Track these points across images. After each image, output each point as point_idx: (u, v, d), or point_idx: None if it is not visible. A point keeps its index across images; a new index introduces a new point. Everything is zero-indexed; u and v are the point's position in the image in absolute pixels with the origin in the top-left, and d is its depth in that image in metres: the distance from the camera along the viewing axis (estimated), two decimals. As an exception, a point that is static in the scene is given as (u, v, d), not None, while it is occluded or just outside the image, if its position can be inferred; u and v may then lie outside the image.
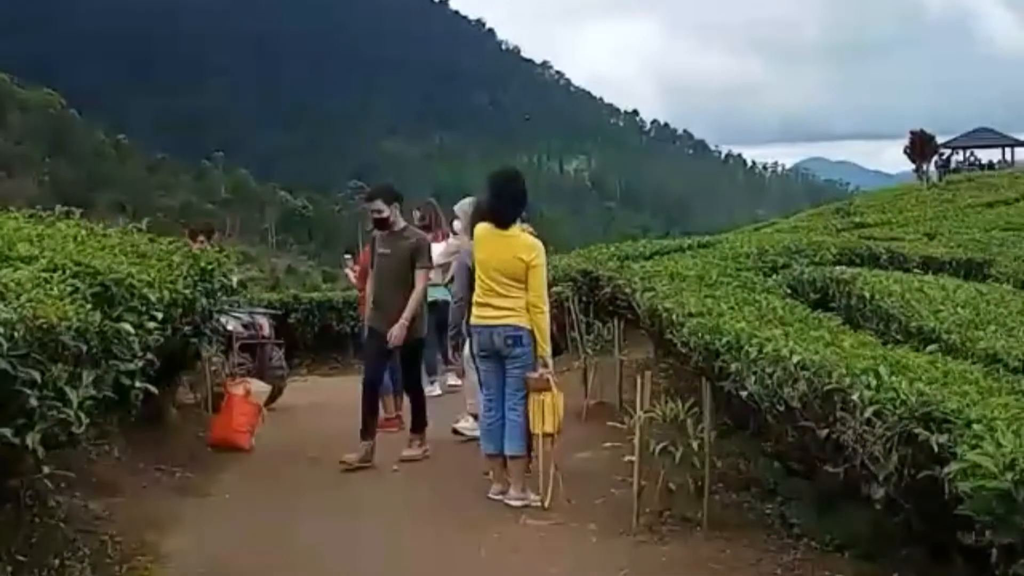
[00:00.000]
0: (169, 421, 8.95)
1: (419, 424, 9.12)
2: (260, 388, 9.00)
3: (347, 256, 10.78)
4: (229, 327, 10.66)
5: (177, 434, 8.88)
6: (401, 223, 9.03)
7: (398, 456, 8.80)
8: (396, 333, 8.55)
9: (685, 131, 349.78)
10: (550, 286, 14.23)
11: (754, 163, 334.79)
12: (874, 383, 4.56)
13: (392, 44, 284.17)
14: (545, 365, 7.24)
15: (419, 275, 8.77)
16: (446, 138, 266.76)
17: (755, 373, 5.61)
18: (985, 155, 64.08)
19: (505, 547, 6.46)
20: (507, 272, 7.20)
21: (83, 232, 7.69)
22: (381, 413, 9.61)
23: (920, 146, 55.59)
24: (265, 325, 11.32)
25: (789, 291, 10.75)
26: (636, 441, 6.51)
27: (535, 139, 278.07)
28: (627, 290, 11.24)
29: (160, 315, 6.04)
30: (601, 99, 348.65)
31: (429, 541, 6.60)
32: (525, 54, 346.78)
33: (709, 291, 9.07)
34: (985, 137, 65.26)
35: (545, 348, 7.24)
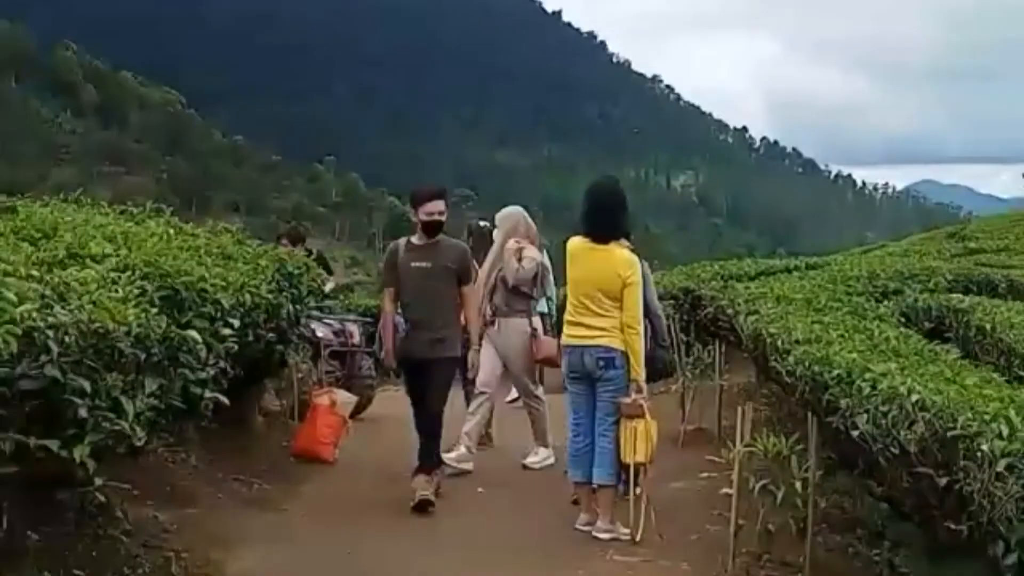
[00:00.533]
0: (253, 429, 8.74)
1: (436, 461, 7.96)
2: (346, 399, 8.71)
3: None
4: (319, 333, 10.44)
5: (260, 443, 8.64)
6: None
7: (482, 477, 8.47)
8: (474, 360, 7.96)
9: (794, 149, 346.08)
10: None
11: (864, 184, 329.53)
12: (1006, 431, 4.07)
13: (505, 55, 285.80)
14: (639, 390, 6.83)
15: (470, 293, 7.89)
16: (555, 149, 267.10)
17: (867, 411, 5.12)
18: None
19: (590, 585, 6.07)
20: (602, 289, 6.81)
21: (170, 231, 7.49)
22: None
23: None
24: (356, 332, 11.04)
25: (902, 319, 10.16)
26: (735, 477, 6.05)
27: (643, 153, 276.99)
28: (729, 311, 10.77)
29: (236, 321, 5.76)
30: (710, 114, 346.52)
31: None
32: (636, 67, 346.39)
33: (817, 316, 8.56)
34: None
35: (639, 372, 6.83)
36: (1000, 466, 3.91)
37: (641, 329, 6.84)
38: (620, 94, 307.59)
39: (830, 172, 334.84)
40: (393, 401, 13.25)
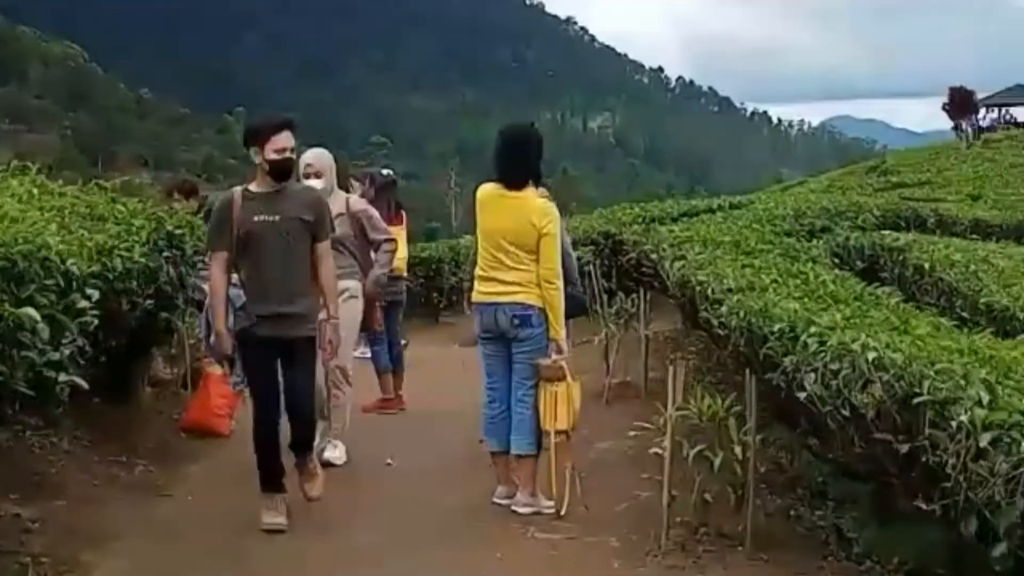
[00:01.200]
0: (139, 403, 7.93)
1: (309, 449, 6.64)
2: None
3: None
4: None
5: (147, 418, 7.82)
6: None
7: (392, 444, 7.83)
8: (333, 338, 6.17)
9: (710, 88, 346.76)
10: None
11: (780, 120, 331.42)
12: (986, 398, 3.48)
13: (413, 1, 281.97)
14: (559, 350, 6.19)
15: (325, 252, 6.15)
16: (469, 94, 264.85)
17: (815, 370, 4.54)
18: (1021, 113, 62.07)
19: (508, 571, 5.45)
20: (516, 241, 6.14)
21: (33, 190, 6.68)
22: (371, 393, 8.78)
23: (960, 103, 53.63)
24: None
25: (834, 260, 9.69)
26: (667, 443, 5.45)
27: (559, 95, 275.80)
28: (654, 256, 10.22)
29: (95, 292, 5.02)
30: (626, 55, 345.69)
31: (420, 564, 5.57)
32: (549, 9, 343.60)
33: (747, 260, 8.02)
34: (1022, 95, 63.12)
35: (559, 330, 6.17)
36: (984, 440, 3.32)
37: (561, 284, 6.18)
38: (534, 36, 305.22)
39: (746, 110, 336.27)
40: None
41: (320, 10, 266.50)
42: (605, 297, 10.10)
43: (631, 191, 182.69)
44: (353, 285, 7.34)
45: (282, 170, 6.05)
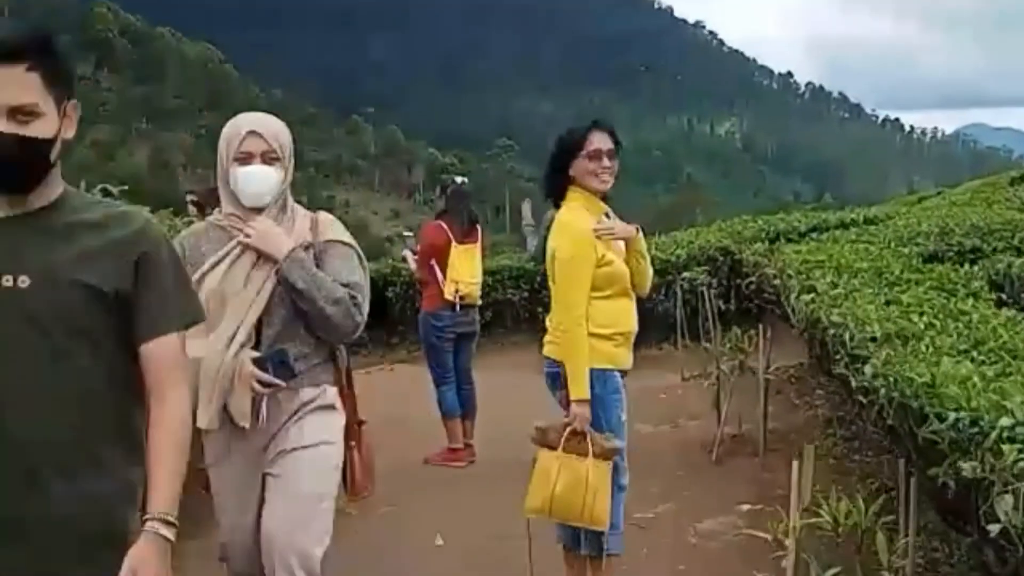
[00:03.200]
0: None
1: None
2: None
3: (408, 234, 8.41)
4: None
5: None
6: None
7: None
8: None
9: (841, 93, 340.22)
10: (682, 267, 11.67)
11: (912, 128, 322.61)
12: None
13: (546, 5, 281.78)
14: (577, 415, 4.48)
15: (166, 363, 2.50)
16: (597, 99, 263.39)
17: (1011, 490, 3.05)
18: None
19: None
20: (548, 271, 4.75)
21: None
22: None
23: None
24: None
25: (995, 291, 8.04)
26: (788, 563, 3.96)
27: (687, 101, 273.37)
28: (776, 282, 8.70)
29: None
30: (755, 60, 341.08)
31: None
32: (678, 14, 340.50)
33: (892, 294, 6.48)
34: None
35: (579, 388, 4.47)
36: None
37: (580, 330, 4.49)
38: (663, 42, 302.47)
39: (877, 116, 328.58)
40: (379, 386, 11.38)
41: (451, 14, 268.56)
42: (717, 324, 8.68)
43: (757, 197, 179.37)
44: (322, 396, 3.79)
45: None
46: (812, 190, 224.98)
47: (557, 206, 4.78)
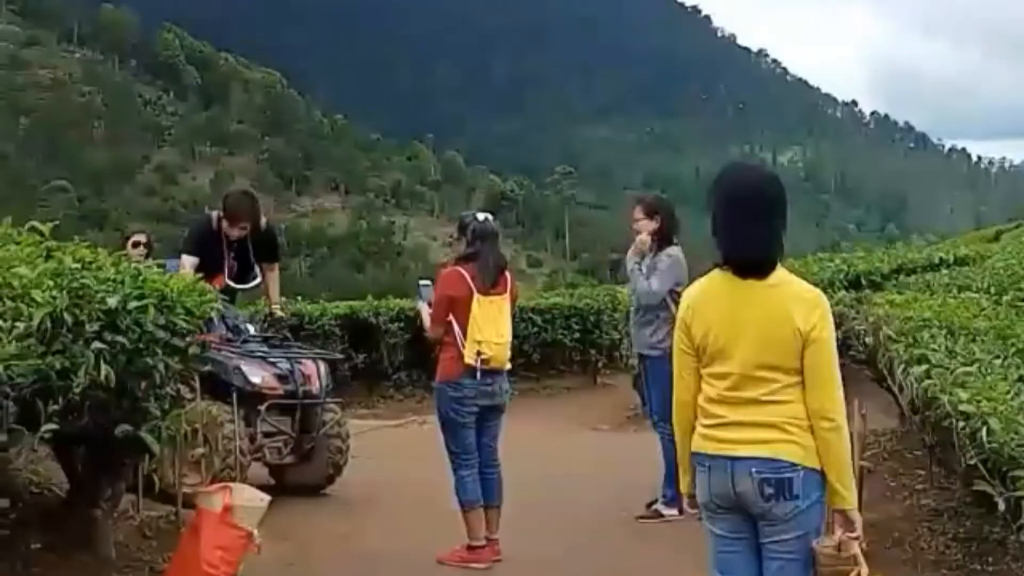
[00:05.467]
0: (99, 555, 5.45)
1: None
2: (251, 500, 5.35)
3: (425, 283, 6.74)
4: (254, 379, 7.22)
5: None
6: None
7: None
8: None
9: (906, 123, 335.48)
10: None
11: (979, 158, 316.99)
12: None
13: (607, 31, 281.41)
14: (850, 525, 3.51)
15: None
16: (658, 126, 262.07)
17: None
18: None
19: None
20: (767, 358, 3.51)
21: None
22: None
23: None
24: (315, 373, 7.67)
25: None
26: None
27: (749, 129, 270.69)
28: (868, 339, 7.33)
29: None
30: (818, 89, 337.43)
31: None
32: (741, 42, 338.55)
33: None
34: None
35: (849, 496, 3.53)
36: None
37: (844, 421, 3.54)
38: (725, 69, 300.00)
39: (943, 146, 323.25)
40: (405, 446, 10.11)
41: (513, 41, 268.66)
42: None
43: (820, 227, 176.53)
44: None
45: None
46: (876, 220, 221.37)
47: (770, 265, 3.56)
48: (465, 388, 6.28)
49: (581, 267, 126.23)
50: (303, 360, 7.67)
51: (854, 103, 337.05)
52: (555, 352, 15.25)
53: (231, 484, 5.38)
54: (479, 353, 6.20)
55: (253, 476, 7.48)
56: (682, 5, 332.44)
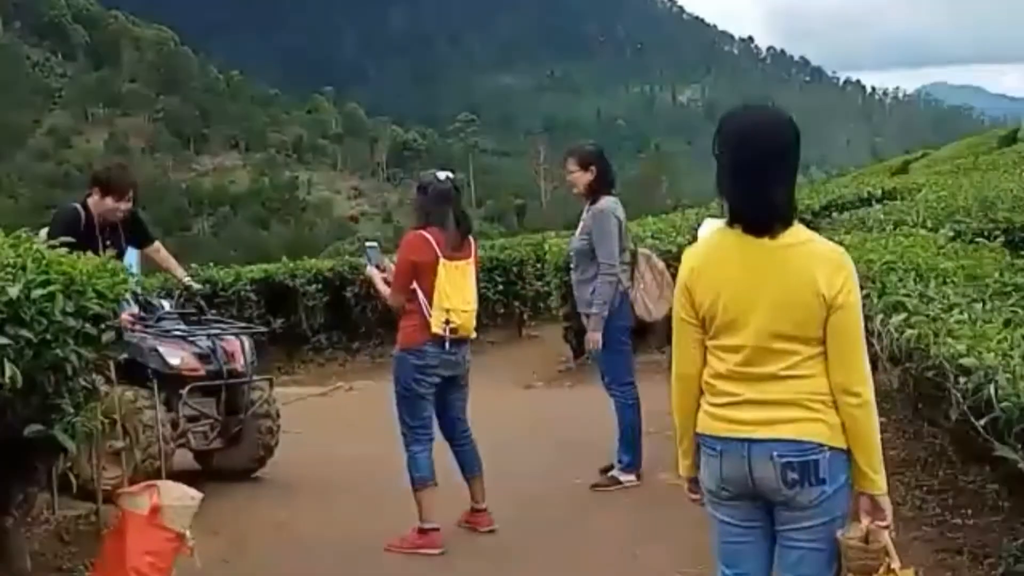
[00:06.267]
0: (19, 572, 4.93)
1: None
2: (180, 498, 4.85)
3: (371, 244, 6.19)
4: (172, 360, 6.65)
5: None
6: None
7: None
8: None
9: (802, 57, 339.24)
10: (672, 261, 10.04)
11: (873, 89, 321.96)
12: None
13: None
14: (879, 512, 3.11)
15: None
16: (558, 70, 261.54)
17: None
18: None
19: None
20: (785, 327, 3.08)
21: None
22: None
23: None
24: (239, 350, 7.07)
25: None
26: None
27: (647, 69, 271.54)
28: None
29: None
30: (715, 26, 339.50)
31: None
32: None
33: (1009, 310, 4.84)
34: None
35: (877, 478, 3.10)
36: None
37: (872, 394, 3.10)
38: (623, 9, 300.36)
39: (838, 79, 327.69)
40: (339, 410, 9.62)
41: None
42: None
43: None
44: None
45: None
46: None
47: (785, 222, 3.10)
48: (428, 356, 5.83)
49: (487, 214, 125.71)
50: (225, 336, 7.10)
51: (750, 39, 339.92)
52: (479, 306, 14.83)
53: (157, 482, 4.85)
54: (447, 322, 5.77)
55: (177, 463, 6.96)
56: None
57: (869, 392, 3.07)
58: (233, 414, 7.11)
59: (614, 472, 6.83)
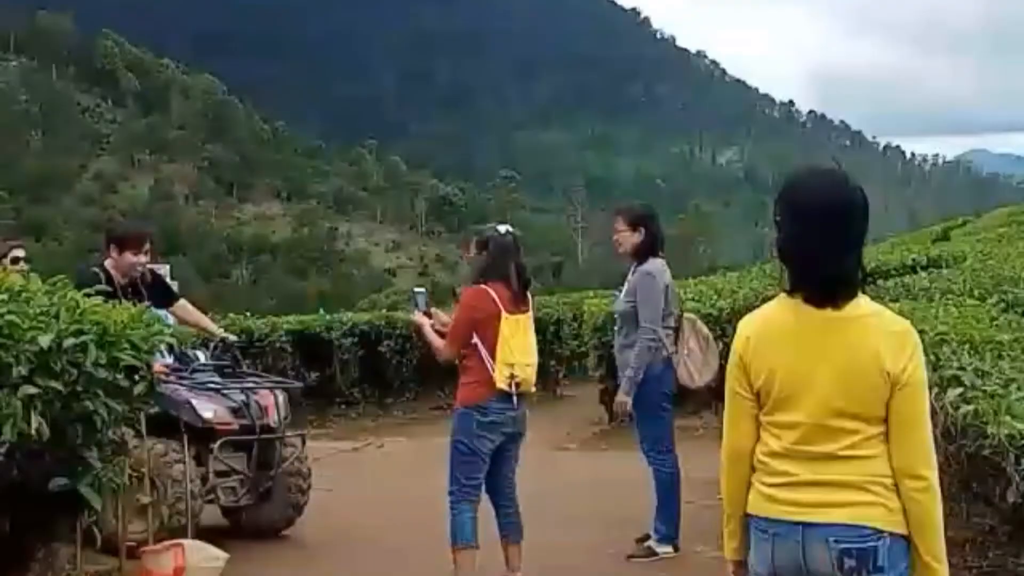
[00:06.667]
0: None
1: None
2: (207, 559, 4.73)
3: (419, 290, 5.99)
4: (204, 414, 6.53)
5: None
6: None
7: None
8: None
9: (842, 121, 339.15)
10: (727, 324, 9.89)
11: (913, 155, 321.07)
12: None
13: (547, 37, 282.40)
14: None
15: None
16: (599, 128, 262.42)
17: None
18: None
19: None
20: (848, 401, 2.90)
21: None
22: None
23: None
24: (273, 404, 6.98)
25: None
26: None
27: (688, 129, 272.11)
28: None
29: None
30: (756, 89, 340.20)
31: None
32: (680, 43, 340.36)
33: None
34: None
35: (940, 568, 2.92)
36: None
37: (936, 478, 2.93)
38: (665, 70, 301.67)
39: (878, 144, 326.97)
40: (372, 468, 9.48)
41: (454, 47, 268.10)
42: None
43: (759, 227, 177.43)
44: None
45: None
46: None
47: (851, 291, 2.93)
48: (493, 414, 5.69)
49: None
50: (259, 390, 6.99)
51: (791, 103, 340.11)
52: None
53: (184, 541, 4.74)
54: (512, 376, 5.64)
55: (205, 517, 6.82)
56: (621, 7, 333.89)
57: (934, 476, 2.88)
58: (264, 470, 6.98)
59: (650, 543, 6.63)
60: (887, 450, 2.87)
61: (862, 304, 2.92)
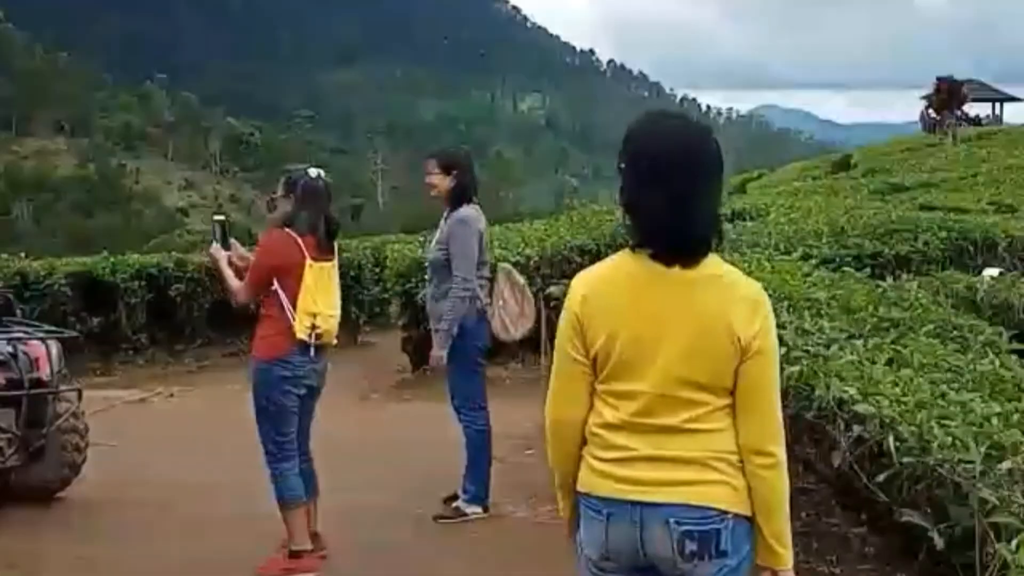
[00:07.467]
0: None
1: None
2: None
3: (219, 217, 5.37)
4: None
5: None
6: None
7: None
8: None
9: (641, 72, 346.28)
10: (533, 271, 9.72)
11: (708, 107, 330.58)
12: None
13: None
14: None
15: None
16: (400, 71, 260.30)
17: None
18: (972, 110, 58.95)
19: None
20: (695, 372, 2.63)
21: None
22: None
23: (948, 96, 48.98)
24: (45, 356, 6.33)
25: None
26: None
27: (490, 75, 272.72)
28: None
29: None
30: (558, 37, 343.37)
31: None
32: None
33: (894, 349, 4.56)
34: (976, 90, 60.01)
35: (785, 553, 2.67)
36: None
37: (784, 454, 2.68)
38: (466, 15, 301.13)
39: (675, 95, 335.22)
40: (164, 420, 8.92)
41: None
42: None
43: (559, 174, 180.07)
44: None
45: None
46: (611, 167, 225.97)
47: (707, 247, 2.66)
48: (295, 366, 5.30)
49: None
50: (29, 341, 6.33)
51: (592, 51, 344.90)
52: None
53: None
54: (314, 327, 5.27)
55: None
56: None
57: (782, 452, 2.65)
58: (35, 427, 6.33)
59: (459, 503, 6.34)
60: (733, 424, 2.63)
61: (713, 264, 2.64)
